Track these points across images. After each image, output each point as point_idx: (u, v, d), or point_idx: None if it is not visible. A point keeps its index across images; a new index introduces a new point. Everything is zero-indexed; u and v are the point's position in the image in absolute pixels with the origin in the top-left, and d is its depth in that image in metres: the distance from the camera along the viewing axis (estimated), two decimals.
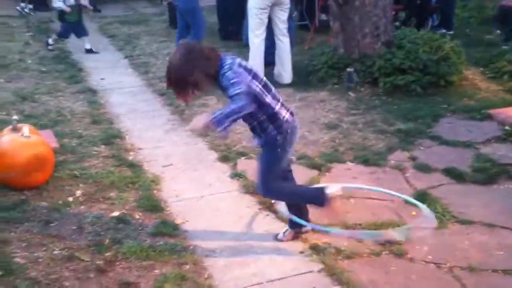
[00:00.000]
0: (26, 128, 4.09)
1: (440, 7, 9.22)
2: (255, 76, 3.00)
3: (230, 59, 2.97)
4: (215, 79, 2.94)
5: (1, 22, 9.31)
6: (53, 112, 5.48)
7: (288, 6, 6.42)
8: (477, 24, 9.31)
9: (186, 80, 2.91)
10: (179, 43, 2.94)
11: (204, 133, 2.90)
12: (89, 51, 7.66)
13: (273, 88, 3.09)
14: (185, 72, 2.89)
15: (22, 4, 10.19)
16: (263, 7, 6.24)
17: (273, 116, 3.02)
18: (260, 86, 2.99)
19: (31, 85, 6.29)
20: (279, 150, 3.08)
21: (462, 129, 5.19)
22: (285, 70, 6.50)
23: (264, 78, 3.07)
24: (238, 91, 2.80)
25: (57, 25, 9.16)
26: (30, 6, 10.25)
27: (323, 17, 9.03)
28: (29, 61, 7.22)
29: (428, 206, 3.88)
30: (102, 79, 6.62)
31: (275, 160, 3.13)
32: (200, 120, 2.87)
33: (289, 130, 3.07)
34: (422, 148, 4.86)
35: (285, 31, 6.44)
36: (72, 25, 7.67)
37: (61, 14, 7.60)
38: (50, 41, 7.75)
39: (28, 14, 9.96)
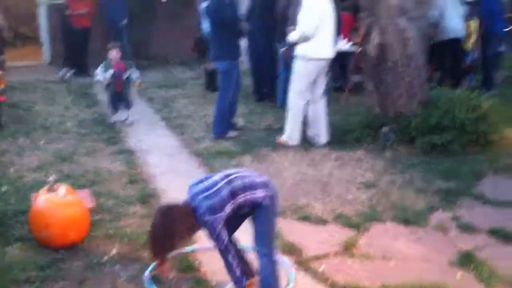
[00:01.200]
0: (62, 188, 4.14)
1: (476, 67, 9.18)
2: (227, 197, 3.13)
3: (201, 208, 3.08)
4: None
5: (43, 87, 9.62)
6: (90, 173, 5.54)
7: (328, 70, 6.50)
8: None
9: (172, 242, 3.12)
10: (156, 208, 3.23)
11: None
12: (125, 120, 7.45)
13: (244, 179, 3.21)
14: (169, 235, 3.07)
15: (63, 70, 10.55)
16: (313, 69, 6.31)
17: (254, 202, 3.21)
18: (233, 203, 3.14)
19: (70, 146, 6.40)
20: (271, 211, 3.28)
21: (505, 188, 5.04)
22: (320, 130, 6.49)
23: (234, 183, 3.17)
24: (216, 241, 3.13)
25: (96, 90, 9.44)
26: (71, 72, 10.59)
27: (357, 78, 9.07)
28: (69, 124, 7.38)
29: (474, 269, 3.72)
30: (140, 140, 6.70)
31: (274, 218, 3.32)
32: None
33: (269, 201, 3.25)
34: (464, 207, 4.71)
35: (322, 94, 6.48)
36: (117, 95, 7.38)
37: (107, 84, 7.40)
38: (112, 119, 7.43)
39: (69, 80, 10.28)
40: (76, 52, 10.75)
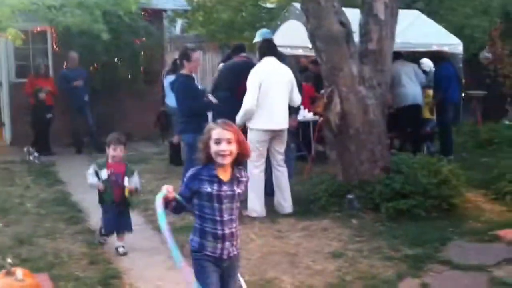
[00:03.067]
0: (19, 272, 3.96)
1: (434, 133, 9.43)
2: None
3: None
4: None
5: (3, 168, 9.44)
6: (50, 255, 5.33)
7: (285, 138, 6.54)
8: (472, 147, 9.51)
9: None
10: None
11: None
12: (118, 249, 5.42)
13: None
14: None
15: (26, 150, 10.28)
16: (264, 139, 6.35)
17: None
18: None
19: (29, 228, 6.19)
20: None
21: (471, 252, 5.04)
22: (285, 199, 6.47)
23: None
24: None
25: (57, 168, 9.25)
26: (36, 154, 10.22)
27: (320, 148, 9.18)
28: (29, 205, 7.18)
29: None
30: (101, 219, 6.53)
31: None
32: None
33: None
34: (432, 274, 4.68)
35: (281, 162, 6.50)
36: (113, 208, 5.43)
37: (99, 194, 5.46)
38: (99, 239, 5.66)
39: (33, 161, 9.99)
40: (38, 130, 10.63)
